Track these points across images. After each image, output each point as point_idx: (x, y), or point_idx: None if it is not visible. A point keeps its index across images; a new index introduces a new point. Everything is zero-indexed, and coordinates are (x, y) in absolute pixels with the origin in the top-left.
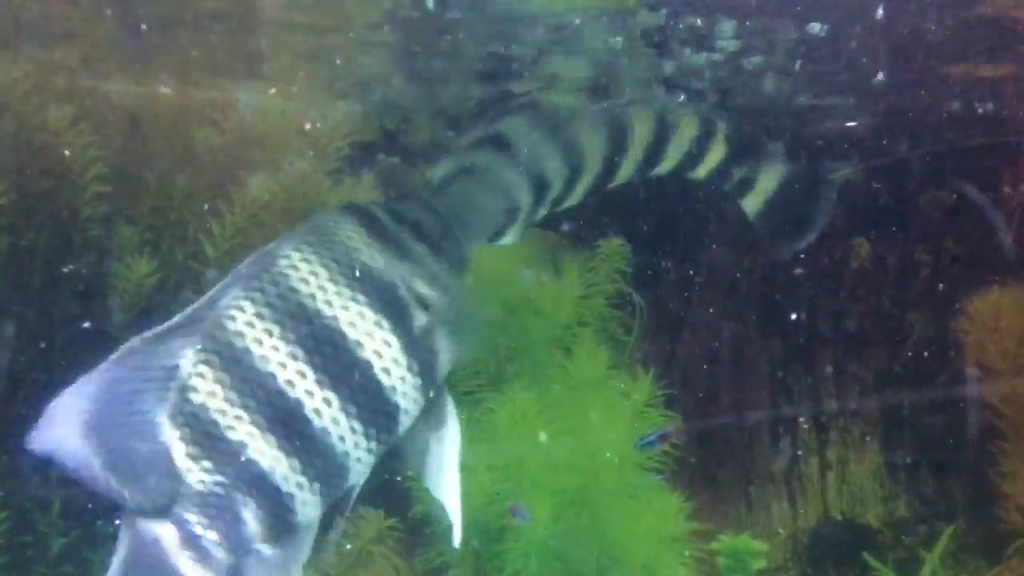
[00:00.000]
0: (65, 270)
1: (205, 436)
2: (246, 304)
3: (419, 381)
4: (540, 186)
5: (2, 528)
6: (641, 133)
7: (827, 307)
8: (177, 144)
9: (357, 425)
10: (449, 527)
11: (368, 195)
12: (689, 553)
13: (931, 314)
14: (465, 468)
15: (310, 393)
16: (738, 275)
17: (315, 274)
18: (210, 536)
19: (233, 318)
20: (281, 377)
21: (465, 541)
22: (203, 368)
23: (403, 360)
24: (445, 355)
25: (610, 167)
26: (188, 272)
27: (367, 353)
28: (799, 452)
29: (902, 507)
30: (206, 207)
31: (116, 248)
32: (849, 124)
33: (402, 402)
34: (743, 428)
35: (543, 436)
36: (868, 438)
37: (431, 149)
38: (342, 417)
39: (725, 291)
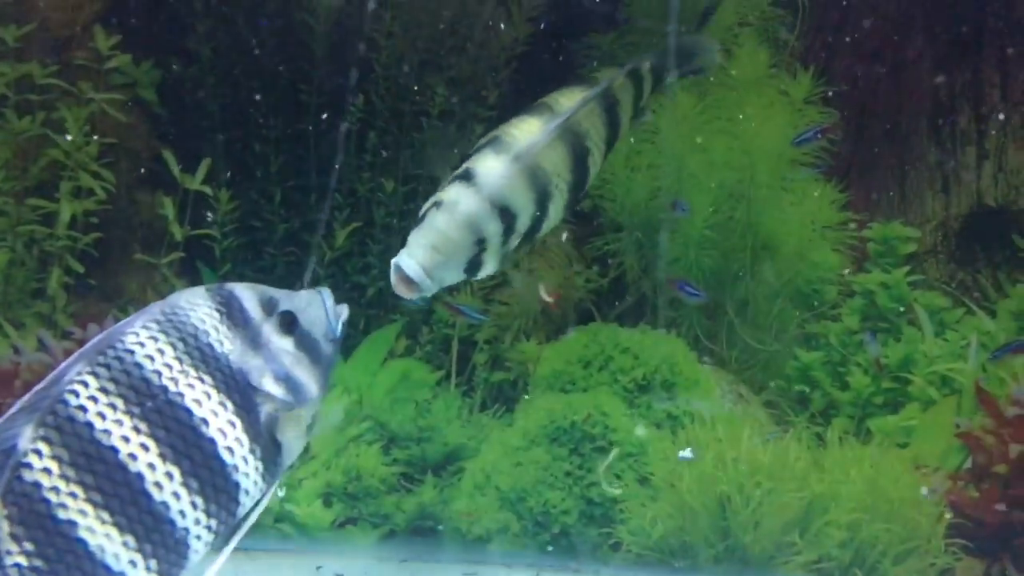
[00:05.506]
0: None
1: (32, 515)
2: (89, 379)
3: (261, 466)
4: (509, 217)
5: (236, 215)
6: (596, 131)
7: None
8: None
9: (199, 500)
10: None
11: None
12: (841, 240)
13: None
14: (630, 168)
15: (152, 466)
16: None
17: (160, 352)
18: None
19: (76, 393)
20: (124, 451)
21: (630, 232)
22: (40, 445)
23: (246, 442)
24: (287, 451)
25: (582, 178)
26: None
27: (211, 431)
28: (956, 142)
29: None
30: None
31: None
32: None
33: (243, 482)
34: (900, 120)
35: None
36: None
37: None
38: (183, 492)
39: None
